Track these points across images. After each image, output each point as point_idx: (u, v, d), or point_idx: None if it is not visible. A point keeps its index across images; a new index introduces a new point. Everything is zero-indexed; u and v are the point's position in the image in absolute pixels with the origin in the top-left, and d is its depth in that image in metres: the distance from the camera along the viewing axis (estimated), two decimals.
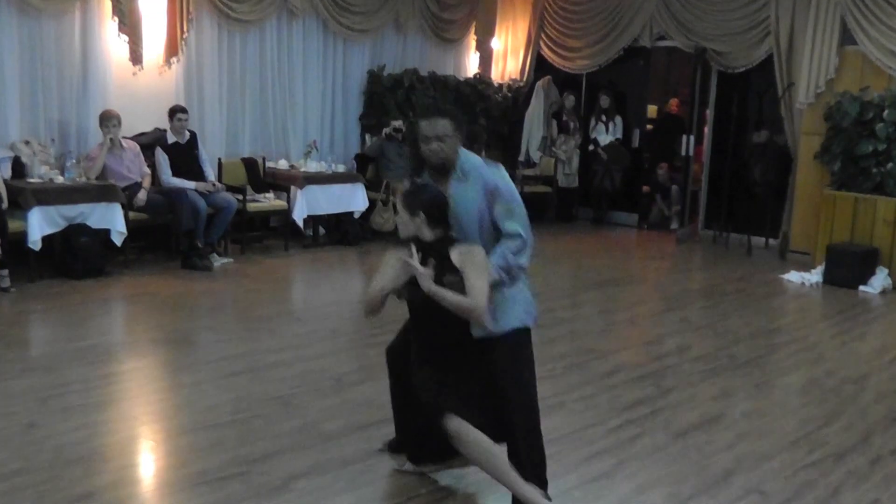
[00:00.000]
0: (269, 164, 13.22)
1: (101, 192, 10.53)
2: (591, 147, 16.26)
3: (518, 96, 16.80)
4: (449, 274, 4.85)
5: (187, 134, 11.68)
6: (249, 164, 12.90)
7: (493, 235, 5.14)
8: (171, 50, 12.09)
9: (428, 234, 4.98)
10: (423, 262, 4.84)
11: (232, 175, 12.55)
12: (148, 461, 5.92)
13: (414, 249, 4.87)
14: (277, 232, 13.12)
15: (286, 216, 12.63)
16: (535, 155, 16.47)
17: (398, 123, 13.72)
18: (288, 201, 12.49)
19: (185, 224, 11.10)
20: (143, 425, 6.43)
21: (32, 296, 9.63)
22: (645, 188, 16.51)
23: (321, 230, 13.46)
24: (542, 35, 16.76)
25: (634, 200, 16.50)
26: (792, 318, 10.56)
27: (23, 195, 9.98)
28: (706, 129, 15.50)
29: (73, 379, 7.11)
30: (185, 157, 11.60)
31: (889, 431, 6.78)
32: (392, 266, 4.99)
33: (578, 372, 7.83)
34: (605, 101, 16.08)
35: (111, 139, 10.92)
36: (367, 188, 13.24)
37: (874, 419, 7.04)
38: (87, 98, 11.50)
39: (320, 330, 8.81)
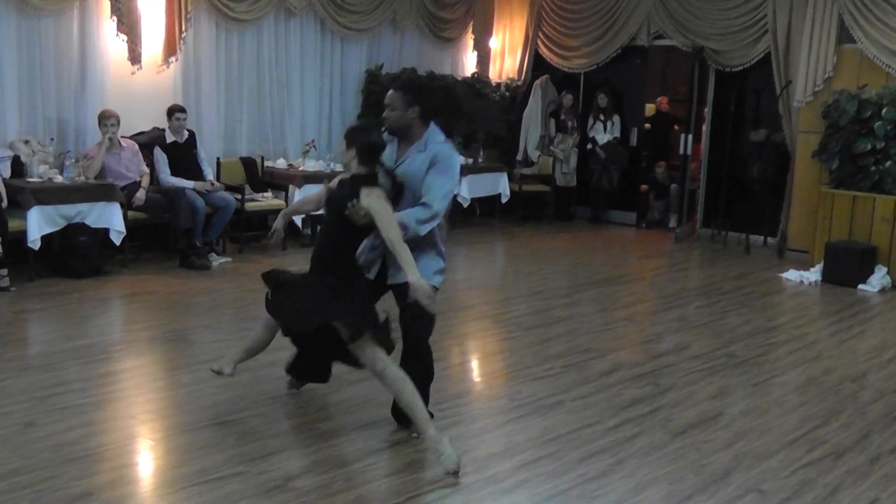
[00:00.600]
0: (268, 163, 13.22)
1: (99, 191, 10.52)
2: (588, 146, 16.24)
3: (516, 95, 16.80)
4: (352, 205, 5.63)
5: (186, 133, 11.67)
6: (247, 163, 12.90)
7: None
8: (170, 49, 12.07)
9: (355, 168, 5.82)
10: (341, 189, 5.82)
11: (230, 174, 12.53)
12: (146, 460, 5.91)
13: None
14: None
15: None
16: (533, 154, 16.47)
17: None
18: (286, 200, 12.47)
19: (184, 223, 11.08)
20: (142, 424, 6.41)
21: (31, 295, 9.62)
22: (643, 187, 16.50)
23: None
24: (540, 34, 16.75)
25: (632, 199, 16.49)
26: (790, 317, 10.55)
27: (22, 194, 9.96)
28: (704, 128, 15.50)
29: (71, 378, 7.11)
30: (184, 157, 11.59)
31: (888, 430, 6.78)
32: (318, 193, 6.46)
33: (576, 371, 7.82)
34: (602, 99, 16.06)
35: (110, 138, 10.91)
36: None
37: (873, 418, 7.04)
38: (86, 97, 11.49)
39: None
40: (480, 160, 15.61)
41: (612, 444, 6.24)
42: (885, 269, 11.89)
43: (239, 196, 11.83)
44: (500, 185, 15.48)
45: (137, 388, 7.22)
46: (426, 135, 6.01)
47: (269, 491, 5.25)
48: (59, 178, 10.50)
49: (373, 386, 6.37)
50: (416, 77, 5.98)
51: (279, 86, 13.55)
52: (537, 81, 16.65)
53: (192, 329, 8.94)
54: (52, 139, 11.19)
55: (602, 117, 16.12)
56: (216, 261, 11.42)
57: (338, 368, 6.48)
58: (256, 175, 12.88)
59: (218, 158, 12.62)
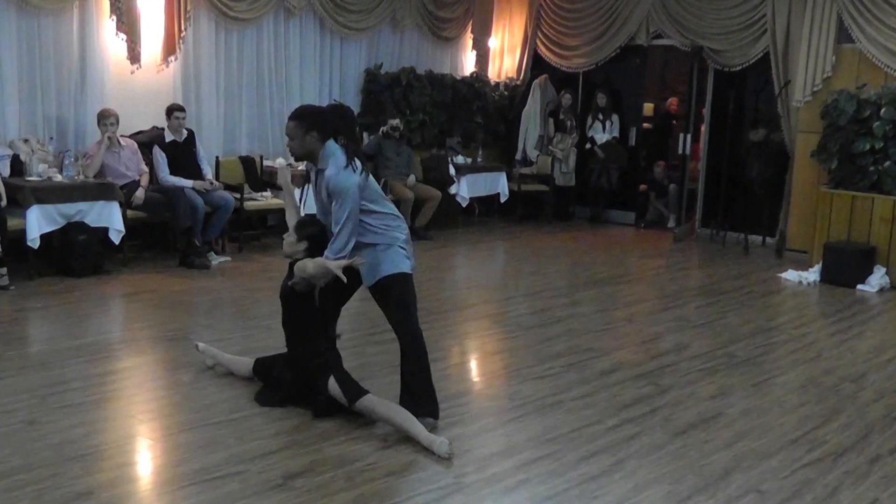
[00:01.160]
0: (267, 162, 13.22)
1: (99, 190, 10.53)
2: (587, 145, 16.24)
3: (515, 95, 16.82)
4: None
5: (185, 132, 11.67)
6: (247, 162, 12.90)
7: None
8: (169, 48, 12.08)
9: (300, 256, 6.44)
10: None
11: (229, 173, 12.54)
12: (146, 459, 5.91)
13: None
14: (275, 230, 13.09)
15: (283, 214, 12.57)
16: (532, 153, 16.47)
17: (395, 122, 13.71)
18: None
19: (183, 222, 11.09)
20: (142, 423, 6.41)
21: (31, 294, 9.63)
22: (642, 186, 16.51)
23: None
24: (539, 33, 16.76)
25: (631, 199, 16.49)
26: (789, 317, 10.54)
27: (21, 193, 9.97)
28: (703, 128, 15.50)
29: (72, 377, 7.11)
30: (183, 156, 11.59)
31: (888, 430, 6.78)
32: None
33: (576, 371, 7.82)
34: (601, 99, 16.07)
35: (109, 137, 10.92)
36: None
37: (873, 418, 7.04)
38: (86, 96, 11.50)
39: None
40: (479, 160, 15.63)
41: (611, 443, 6.24)
42: (883, 270, 11.90)
43: (238, 195, 11.83)
44: (498, 184, 15.50)
45: (137, 386, 7.22)
46: (323, 155, 6.33)
47: (269, 490, 5.25)
48: (58, 177, 10.51)
49: (371, 385, 6.37)
50: (307, 105, 6.26)
51: (278, 85, 13.56)
52: (536, 81, 16.66)
53: (192, 328, 8.92)
54: (52, 138, 11.19)
55: (601, 117, 16.12)
56: (215, 260, 11.42)
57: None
58: (256, 174, 12.89)
59: (217, 157, 12.62)
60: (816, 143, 12.84)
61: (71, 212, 10.28)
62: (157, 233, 11.68)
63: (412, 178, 13.82)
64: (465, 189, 14.74)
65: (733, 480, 5.73)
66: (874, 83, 12.59)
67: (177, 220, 11.13)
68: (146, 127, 11.93)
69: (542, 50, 16.77)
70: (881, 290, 11.69)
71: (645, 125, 17.13)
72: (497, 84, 16.71)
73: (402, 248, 6.35)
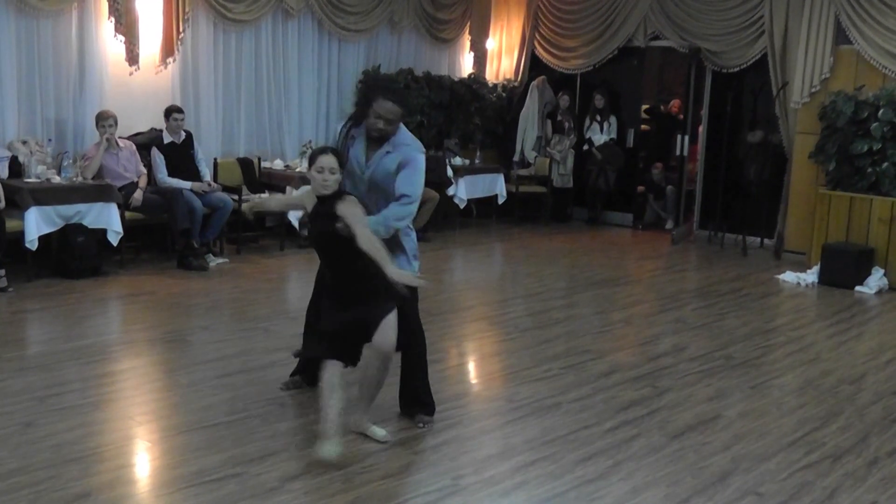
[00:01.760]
0: (265, 164, 13.22)
1: (97, 191, 10.52)
2: (585, 147, 16.22)
3: (512, 96, 16.80)
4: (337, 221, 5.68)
5: (183, 134, 11.66)
6: (245, 163, 12.89)
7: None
8: (167, 50, 12.07)
9: (332, 188, 5.72)
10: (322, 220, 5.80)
11: (227, 175, 12.52)
12: (144, 461, 5.91)
13: None
14: (273, 232, 13.09)
15: (281, 216, 12.60)
16: (530, 155, 16.44)
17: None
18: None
19: (181, 224, 11.08)
20: (140, 425, 6.40)
21: (29, 295, 9.62)
22: (640, 188, 16.50)
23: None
24: (537, 35, 16.75)
25: (629, 200, 16.49)
26: (788, 319, 10.54)
27: (20, 194, 9.96)
28: (701, 129, 15.50)
29: (70, 378, 7.11)
30: (181, 157, 11.58)
31: (887, 432, 6.78)
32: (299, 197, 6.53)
33: (574, 373, 7.82)
34: (599, 100, 16.05)
35: (107, 139, 10.92)
36: None
37: (871, 420, 7.04)
38: (84, 98, 11.49)
39: None
40: (477, 161, 15.62)
41: (609, 446, 6.24)
42: (882, 271, 11.90)
43: (236, 197, 11.81)
44: (496, 186, 15.47)
45: (136, 388, 7.22)
46: (397, 136, 6.23)
47: (266, 492, 5.25)
48: (56, 179, 10.50)
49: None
50: (397, 86, 6.20)
51: (277, 86, 13.54)
52: (534, 82, 16.64)
53: (190, 330, 8.92)
54: (51, 139, 11.19)
55: (599, 118, 16.10)
56: (213, 261, 11.41)
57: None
58: (254, 176, 12.88)
59: (215, 159, 12.61)
60: (814, 144, 12.84)
61: (69, 213, 10.28)
62: (156, 234, 11.67)
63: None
64: (462, 190, 14.72)
65: (731, 483, 5.73)
66: (872, 85, 12.58)
67: (175, 221, 11.11)
68: (144, 128, 11.92)
69: (540, 51, 16.76)
70: (880, 292, 11.69)
71: (643, 127, 17.11)
72: (495, 85, 16.70)
73: (409, 257, 6.41)
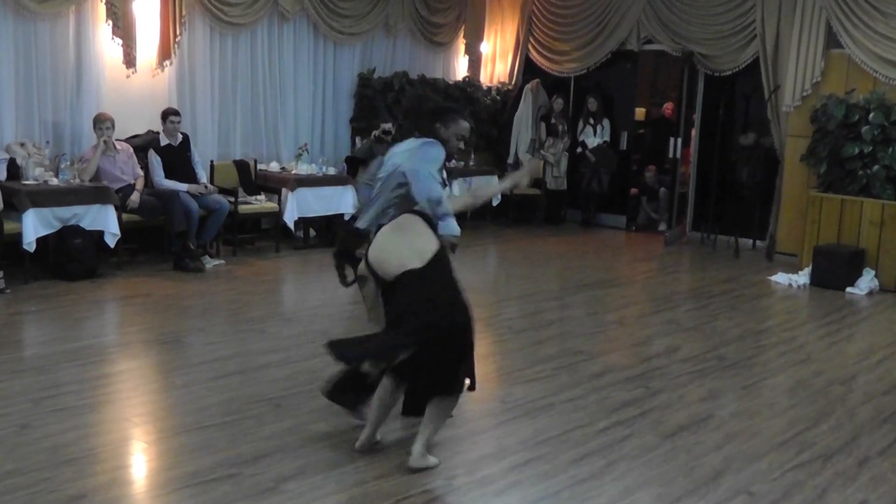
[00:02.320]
0: (261, 166, 13.19)
1: (94, 193, 10.51)
2: (579, 150, 16.22)
3: (507, 99, 16.80)
4: None
5: (180, 136, 11.65)
6: (241, 166, 12.88)
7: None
8: (164, 53, 12.07)
9: None
10: None
11: (224, 177, 12.51)
12: (140, 462, 5.90)
13: None
14: (269, 234, 13.09)
15: (277, 218, 12.59)
16: (524, 157, 16.41)
17: (388, 126, 13.58)
18: (279, 203, 12.45)
19: (178, 226, 11.08)
20: (136, 427, 6.40)
21: (27, 297, 9.60)
22: (633, 190, 16.50)
23: (312, 232, 13.43)
24: (531, 38, 16.75)
25: (623, 203, 16.48)
26: (780, 320, 10.55)
27: (18, 197, 9.95)
28: (693, 132, 15.50)
29: (66, 380, 7.09)
30: (178, 160, 11.57)
31: (877, 432, 6.78)
32: None
33: (567, 373, 7.81)
34: (592, 104, 16.05)
35: (105, 141, 10.92)
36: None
37: (862, 420, 7.04)
38: (82, 100, 11.48)
39: (311, 331, 8.74)
40: (471, 163, 15.60)
41: (602, 446, 6.24)
42: (872, 272, 11.90)
43: (232, 199, 11.79)
44: None
45: (132, 390, 7.20)
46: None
47: (261, 493, 5.23)
48: (54, 181, 10.49)
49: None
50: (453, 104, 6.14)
51: (273, 89, 13.53)
52: (528, 86, 16.65)
53: (186, 331, 8.91)
54: (48, 142, 11.18)
55: (592, 121, 16.10)
56: (210, 263, 11.40)
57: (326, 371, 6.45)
58: (250, 178, 12.86)
59: (212, 161, 12.59)
60: (806, 147, 12.84)
61: (67, 215, 10.27)
62: (152, 236, 11.65)
63: None
64: (457, 192, 14.69)
65: (723, 482, 5.72)
66: (863, 88, 12.58)
67: (172, 223, 11.11)
68: (142, 131, 11.90)
69: (534, 55, 16.76)
70: (870, 293, 11.69)
71: (640, 131, 17.11)
72: (489, 89, 16.69)
73: None
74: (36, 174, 10.52)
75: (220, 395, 6.87)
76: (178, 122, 11.63)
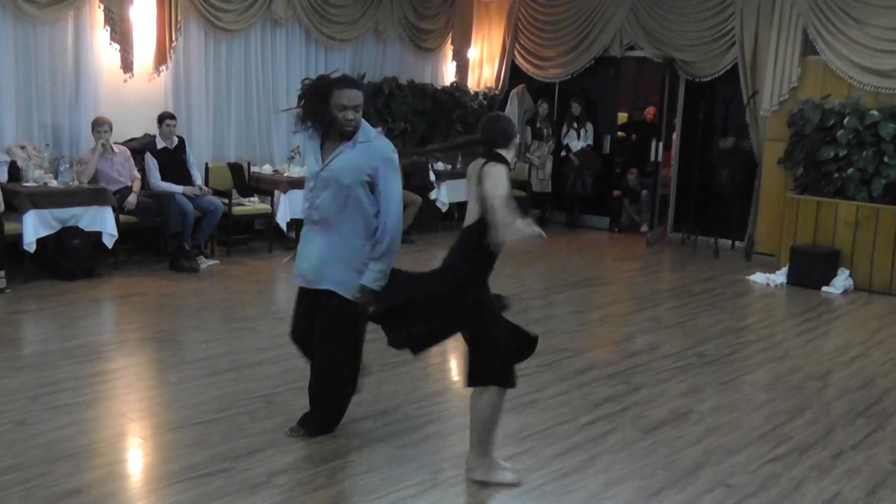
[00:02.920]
0: (254, 168, 13.17)
1: (92, 195, 10.49)
2: (563, 153, 16.22)
3: (493, 104, 16.77)
4: None
5: (175, 139, 11.63)
6: (235, 168, 12.86)
7: (361, 203, 5.67)
8: (161, 58, 12.04)
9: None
10: None
11: (218, 179, 12.48)
12: (135, 457, 5.87)
13: None
14: (262, 234, 13.05)
15: (270, 219, 12.55)
16: (510, 160, 16.41)
17: (378, 129, 13.66)
18: (272, 205, 12.42)
19: (174, 227, 11.06)
20: (131, 423, 6.37)
21: (26, 296, 9.58)
22: (616, 192, 16.50)
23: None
24: (517, 45, 16.74)
25: (606, 204, 16.48)
26: (758, 318, 10.56)
27: (18, 198, 9.93)
28: (674, 136, 15.50)
29: (63, 377, 7.06)
30: (174, 162, 11.55)
31: (851, 426, 6.79)
32: None
33: (551, 370, 7.81)
34: (576, 108, 16.04)
35: (102, 144, 10.90)
36: None
37: (836, 414, 7.05)
38: (80, 104, 11.44)
39: None
40: (459, 166, 15.56)
41: (585, 440, 6.24)
42: (847, 272, 11.92)
43: (226, 200, 11.77)
44: None
45: (127, 387, 7.18)
46: (362, 130, 5.75)
47: (252, 487, 5.22)
48: (53, 183, 10.46)
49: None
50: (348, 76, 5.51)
51: (266, 93, 13.50)
52: (514, 90, 16.65)
53: (181, 330, 8.90)
54: (48, 145, 11.15)
55: (576, 125, 16.10)
56: (204, 263, 11.38)
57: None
58: (243, 180, 12.85)
59: (206, 164, 12.58)
60: (783, 150, 12.86)
61: (65, 216, 10.24)
62: (149, 237, 11.62)
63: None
64: (444, 195, 14.70)
65: (702, 475, 5.73)
66: (838, 94, 12.59)
67: (167, 224, 11.09)
68: (138, 134, 11.87)
69: (520, 60, 16.74)
70: (845, 292, 11.71)
71: (620, 134, 17.11)
72: (476, 93, 16.67)
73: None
74: (36, 176, 10.50)
75: (214, 392, 6.86)
76: (174, 126, 11.60)
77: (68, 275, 10.27)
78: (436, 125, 15.59)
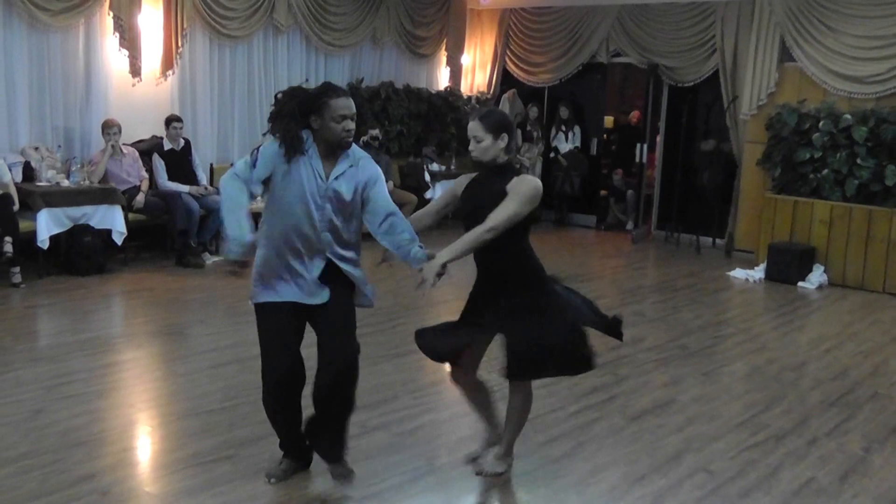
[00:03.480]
0: None
1: (102, 194, 10.50)
2: (552, 154, 16.24)
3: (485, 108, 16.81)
4: None
5: (182, 141, 11.64)
6: None
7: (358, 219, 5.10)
8: (167, 63, 12.04)
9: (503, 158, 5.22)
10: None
11: None
12: (145, 445, 5.91)
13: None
14: None
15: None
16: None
17: (375, 132, 13.68)
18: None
19: (180, 225, 11.09)
20: (141, 412, 6.41)
21: (40, 291, 9.60)
22: (602, 192, 16.53)
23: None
24: (508, 51, 16.75)
25: (593, 203, 16.50)
26: (737, 312, 10.59)
27: (32, 198, 9.96)
28: (658, 138, 15.52)
29: (76, 368, 7.10)
30: (180, 163, 11.56)
31: (825, 415, 6.83)
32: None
33: None
34: (564, 112, 16.06)
35: (112, 146, 10.91)
36: None
37: (811, 404, 7.09)
38: (90, 107, 11.44)
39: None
40: (453, 167, 15.61)
41: (573, 428, 6.27)
42: (822, 268, 11.96)
43: None
44: None
45: (137, 378, 7.21)
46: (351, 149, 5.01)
47: (256, 472, 5.25)
48: (65, 183, 10.47)
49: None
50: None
51: (268, 97, 13.44)
52: (505, 95, 16.65)
53: (187, 323, 8.92)
54: (60, 146, 11.15)
55: (564, 128, 16.12)
56: (209, 259, 11.38)
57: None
58: None
59: (211, 164, 12.59)
60: (762, 152, 12.90)
61: (77, 215, 10.26)
62: (156, 234, 11.61)
63: (390, 184, 13.77)
64: (439, 194, 14.71)
65: (684, 461, 5.76)
66: (814, 98, 12.64)
67: (174, 222, 11.12)
68: (146, 136, 11.87)
69: (511, 66, 16.76)
70: (820, 287, 11.75)
71: (604, 136, 17.14)
72: (469, 98, 16.67)
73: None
74: (49, 176, 10.51)
75: (219, 383, 6.89)
76: (180, 128, 11.62)
77: (80, 271, 10.30)
78: (430, 128, 15.61)
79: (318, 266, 4.94)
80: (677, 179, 14.60)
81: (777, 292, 11.49)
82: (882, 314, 10.54)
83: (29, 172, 10.58)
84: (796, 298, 11.21)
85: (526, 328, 5.11)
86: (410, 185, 14.48)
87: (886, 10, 12.26)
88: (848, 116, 11.91)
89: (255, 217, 4.97)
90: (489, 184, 5.21)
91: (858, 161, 11.77)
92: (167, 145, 11.56)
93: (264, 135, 5.09)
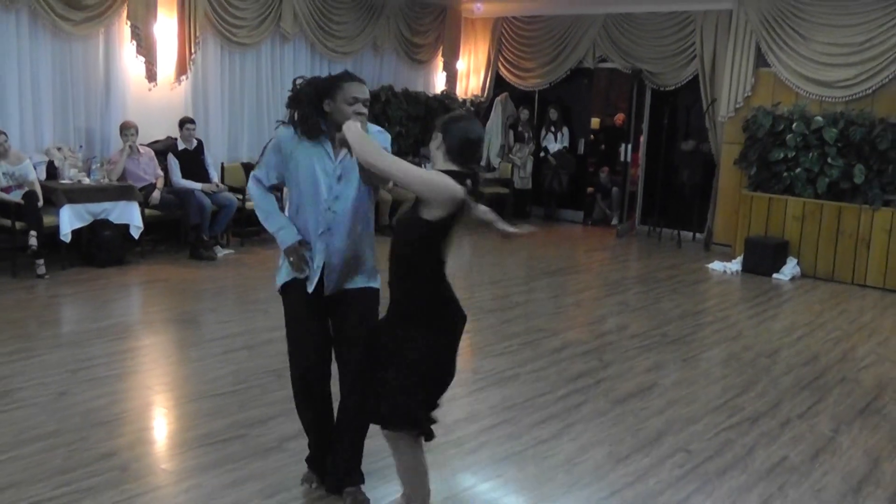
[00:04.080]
0: None
1: (121, 191, 10.51)
2: (542, 154, 16.24)
3: (479, 110, 16.75)
4: None
5: (195, 141, 11.64)
6: (248, 167, 12.85)
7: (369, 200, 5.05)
8: (181, 69, 12.04)
9: (441, 163, 4.50)
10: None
11: (233, 177, 12.49)
12: (161, 425, 5.94)
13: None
14: None
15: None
16: (495, 161, 16.43)
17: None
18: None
19: (193, 220, 11.10)
20: (157, 394, 6.43)
21: (63, 282, 9.61)
22: (589, 189, 16.54)
23: None
24: (500, 57, 16.75)
25: (580, 200, 16.51)
26: (715, 302, 10.61)
27: (55, 194, 9.98)
28: (642, 139, 15.53)
29: (97, 353, 7.11)
30: (193, 162, 11.56)
31: (797, 398, 6.86)
32: None
33: (531, 348, 7.86)
34: (554, 114, 16.05)
35: (130, 146, 10.93)
36: None
37: (784, 388, 7.12)
38: (110, 110, 11.45)
39: None
40: None
41: (561, 410, 6.29)
42: (795, 261, 11.99)
43: (240, 196, 11.77)
44: None
45: (154, 362, 7.24)
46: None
47: (265, 451, 5.29)
48: (86, 180, 10.50)
49: None
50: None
51: (275, 101, 13.47)
52: (498, 98, 16.64)
53: (200, 311, 8.93)
54: (81, 146, 11.17)
55: (553, 129, 16.12)
56: (221, 252, 11.40)
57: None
58: None
59: (222, 163, 12.58)
60: (738, 152, 12.91)
61: (97, 210, 10.27)
62: (171, 229, 11.64)
63: (390, 182, 13.78)
64: None
65: (665, 442, 5.79)
66: (787, 101, 12.65)
67: (187, 217, 11.14)
68: (161, 137, 11.88)
69: (503, 71, 16.75)
70: (793, 279, 11.77)
71: (591, 137, 17.14)
72: (464, 100, 16.66)
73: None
74: (71, 174, 10.53)
75: (230, 367, 6.91)
76: (193, 129, 11.62)
77: (100, 263, 10.31)
78: (428, 129, 15.59)
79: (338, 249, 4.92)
80: (659, 177, 14.61)
81: (753, 283, 11.51)
82: (850, 304, 10.57)
83: (52, 171, 10.61)
84: (770, 289, 11.24)
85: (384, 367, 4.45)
86: None
87: (853, 20, 12.26)
88: (819, 119, 11.93)
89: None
90: None
91: (829, 160, 11.80)
92: (181, 145, 11.56)
93: (276, 128, 5.02)
